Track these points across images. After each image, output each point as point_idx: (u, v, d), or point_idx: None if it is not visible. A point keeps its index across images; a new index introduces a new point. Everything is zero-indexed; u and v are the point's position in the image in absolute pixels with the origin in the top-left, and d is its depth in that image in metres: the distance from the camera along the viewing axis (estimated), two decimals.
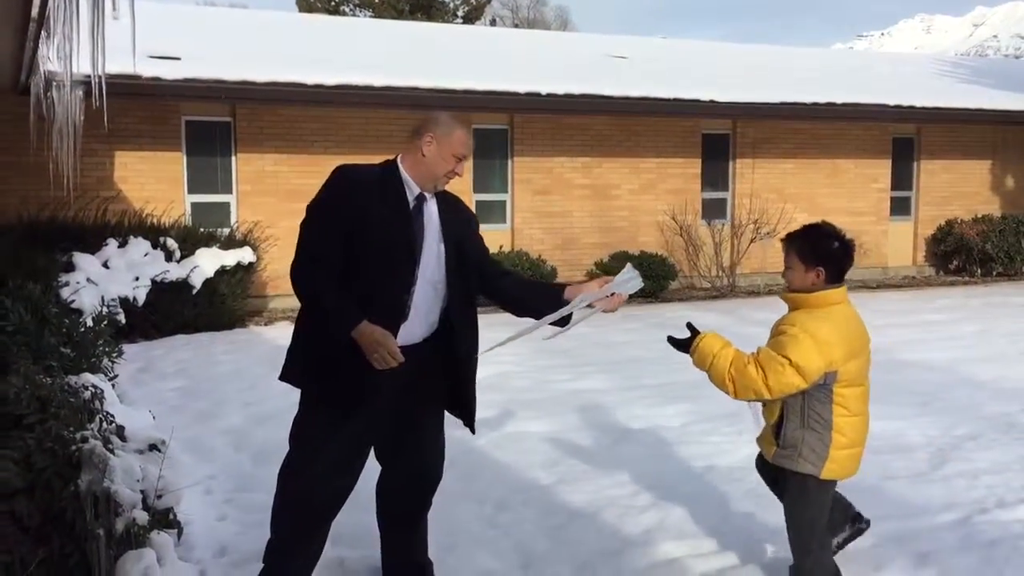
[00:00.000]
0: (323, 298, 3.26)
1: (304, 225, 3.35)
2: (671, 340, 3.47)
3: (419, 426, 3.57)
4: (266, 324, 10.90)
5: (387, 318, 3.27)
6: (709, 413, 6.20)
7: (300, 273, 3.31)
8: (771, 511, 4.41)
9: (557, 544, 4.21)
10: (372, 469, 3.60)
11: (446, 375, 3.53)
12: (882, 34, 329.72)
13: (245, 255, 10.53)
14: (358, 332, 3.17)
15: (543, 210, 13.26)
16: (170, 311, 9.83)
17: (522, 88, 12.22)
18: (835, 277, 3.34)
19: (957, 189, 16.06)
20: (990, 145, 16.17)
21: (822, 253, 3.31)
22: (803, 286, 3.33)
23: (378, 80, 11.49)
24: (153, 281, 9.62)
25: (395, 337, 3.26)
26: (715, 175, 14.36)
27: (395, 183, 3.39)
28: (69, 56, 4.51)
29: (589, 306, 3.39)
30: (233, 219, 11.71)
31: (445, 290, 3.43)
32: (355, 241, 3.25)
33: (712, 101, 13.15)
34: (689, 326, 3.41)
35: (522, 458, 5.45)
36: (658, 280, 12.91)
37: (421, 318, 3.39)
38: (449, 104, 12.09)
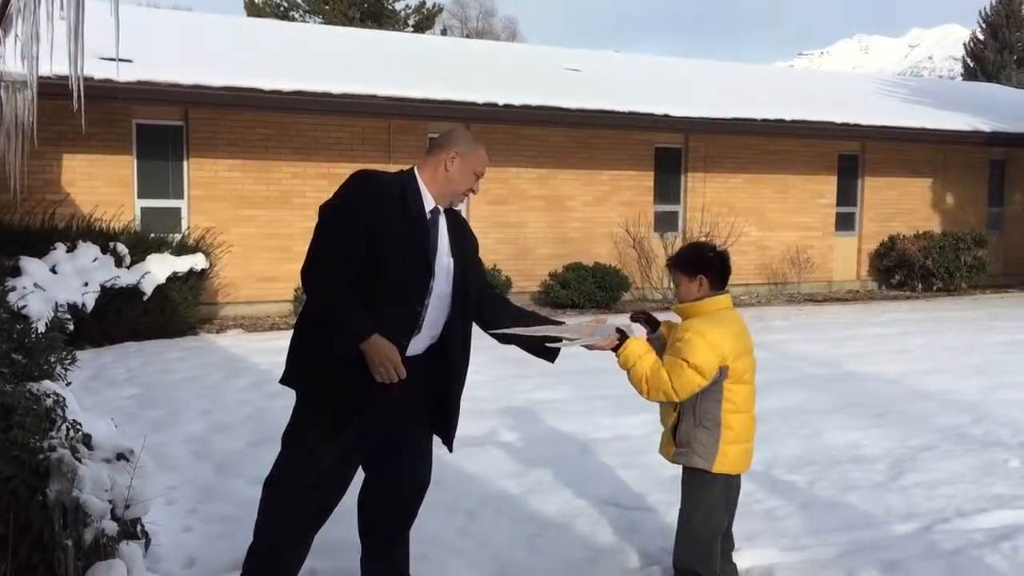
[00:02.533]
0: (335, 305, 3.20)
1: (320, 227, 3.28)
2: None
3: (411, 435, 3.55)
4: (218, 332, 10.73)
5: (399, 328, 3.25)
6: None
7: (313, 277, 3.24)
8: (742, 519, 4.47)
9: (531, 553, 4.21)
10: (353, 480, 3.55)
11: (433, 391, 3.51)
12: (821, 53, 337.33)
13: (197, 261, 10.37)
14: (368, 344, 3.13)
15: (498, 220, 13.28)
16: (120, 318, 9.62)
17: (480, 98, 12.25)
18: (718, 284, 3.63)
19: (900, 206, 16.48)
20: (931, 164, 16.63)
21: (700, 263, 3.62)
22: (691, 296, 3.62)
23: (336, 87, 11.42)
24: (102, 287, 9.41)
25: (405, 348, 3.25)
26: (667, 188, 14.54)
27: (415, 195, 3.35)
28: (25, 57, 4.39)
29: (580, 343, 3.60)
30: (184, 225, 11.52)
31: (449, 305, 3.42)
32: (374, 248, 3.21)
33: (666, 115, 13.32)
34: (619, 330, 3.60)
35: (490, 468, 5.44)
36: (611, 291, 13.02)
37: (427, 330, 3.38)
38: (406, 113, 12.10)
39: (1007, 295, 15.91)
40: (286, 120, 11.87)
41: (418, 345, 3.36)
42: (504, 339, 3.61)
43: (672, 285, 3.77)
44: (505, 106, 12.35)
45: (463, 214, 12.69)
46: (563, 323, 3.64)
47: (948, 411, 7.00)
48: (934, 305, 14.26)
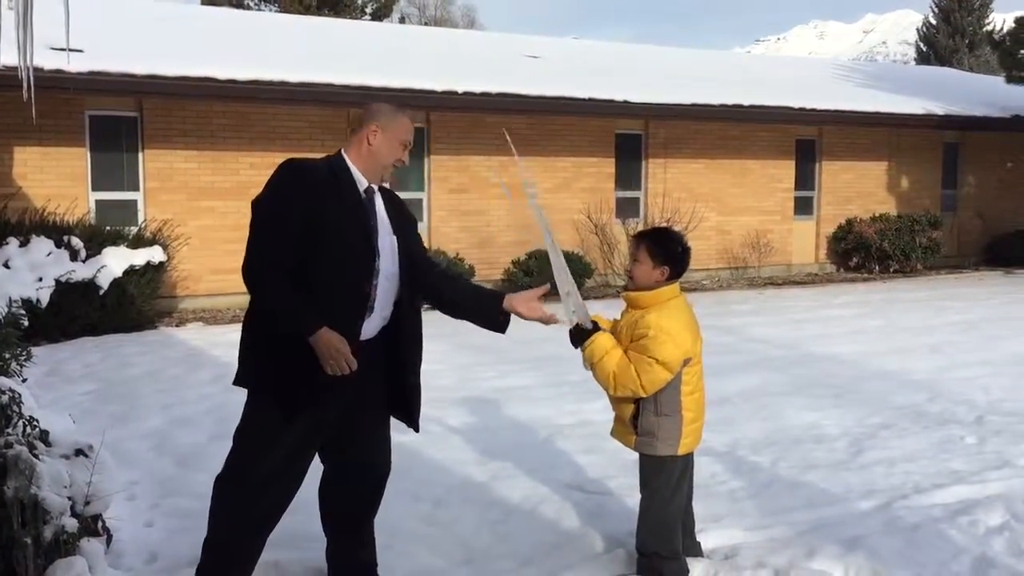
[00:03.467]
0: (279, 301, 3.18)
1: (255, 223, 3.25)
2: (573, 332, 3.64)
3: (366, 422, 3.52)
4: (177, 325, 10.60)
5: (351, 312, 3.23)
6: None
7: (255, 273, 3.20)
8: (707, 500, 4.52)
9: (498, 540, 4.22)
10: (312, 472, 3.53)
11: (389, 374, 3.49)
12: (778, 39, 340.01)
13: (155, 254, 10.22)
14: (316, 337, 3.11)
15: (460, 208, 13.25)
16: (76, 312, 9.47)
17: (439, 86, 12.19)
18: (674, 277, 3.64)
19: (856, 189, 16.69)
20: (886, 147, 16.85)
21: (671, 254, 3.61)
22: (646, 282, 3.60)
23: (293, 76, 11.31)
24: (57, 282, 9.25)
25: (359, 332, 3.23)
26: (628, 174, 14.59)
27: (346, 176, 3.33)
28: None
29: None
30: (140, 217, 11.34)
31: (397, 284, 3.40)
32: (312, 237, 3.17)
33: (625, 101, 13.35)
34: (578, 327, 3.61)
35: (455, 455, 5.44)
36: (575, 278, 13.01)
37: (379, 311, 3.36)
38: (364, 101, 11.99)
39: (962, 275, 16.19)
40: (243, 110, 11.72)
41: (371, 327, 3.34)
42: (454, 311, 3.53)
43: (629, 261, 3.70)
44: (464, 93, 12.30)
45: (425, 201, 12.79)
46: (505, 310, 3.51)
47: (905, 390, 7.12)
48: (890, 286, 14.47)
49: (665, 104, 13.73)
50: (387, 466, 3.64)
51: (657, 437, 3.59)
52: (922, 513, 4.45)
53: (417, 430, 3.65)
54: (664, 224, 13.66)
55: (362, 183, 3.35)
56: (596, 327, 3.61)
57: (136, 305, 10.00)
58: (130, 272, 9.89)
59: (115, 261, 9.76)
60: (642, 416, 3.59)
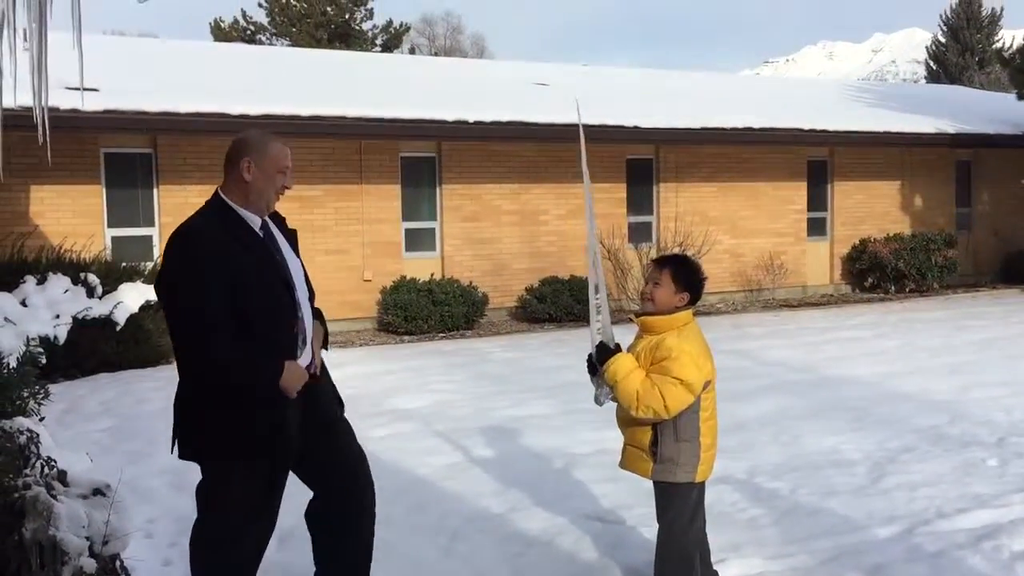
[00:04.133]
0: (238, 366, 3.16)
1: (177, 304, 3.18)
2: (598, 350, 3.65)
3: (332, 436, 3.49)
4: None
5: (287, 353, 3.26)
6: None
7: (200, 353, 3.15)
8: (726, 529, 4.48)
9: (517, 572, 4.19)
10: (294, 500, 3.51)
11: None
12: (787, 60, 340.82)
13: None
14: (284, 379, 3.17)
15: (472, 237, 13.28)
16: (93, 349, 9.51)
17: (450, 116, 12.26)
18: (691, 304, 3.70)
19: (869, 209, 16.64)
20: (898, 166, 16.81)
21: (693, 283, 3.68)
22: (666, 305, 3.64)
23: (304, 110, 11.40)
24: (74, 319, 9.30)
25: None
26: (640, 199, 14.60)
27: (237, 221, 3.27)
28: None
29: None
30: (156, 253, 11.42)
31: (311, 307, 3.45)
32: (235, 295, 3.15)
33: (636, 127, 13.39)
34: (603, 345, 3.64)
35: (472, 487, 5.42)
36: (587, 304, 13.00)
37: (307, 342, 3.39)
38: (377, 133, 12.11)
39: (978, 294, 16.08)
40: None
41: (305, 359, 3.37)
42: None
43: (647, 284, 3.70)
44: (475, 123, 12.37)
45: (438, 230, 12.83)
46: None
47: (925, 412, 7.06)
48: (907, 306, 14.38)
49: (675, 128, 13.76)
50: (368, 474, 3.56)
51: (677, 463, 3.57)
52: (945, 539, 4.40)
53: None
54: (679, 250, 13.67)
55: (254, 221, 3.30)
56: (619, 348, 3.62)
57: (152, 341, 10.04)
58: (146, 308, 9.94)
59: (131, 297, 9.82)
60: (662, 442, 3.57)
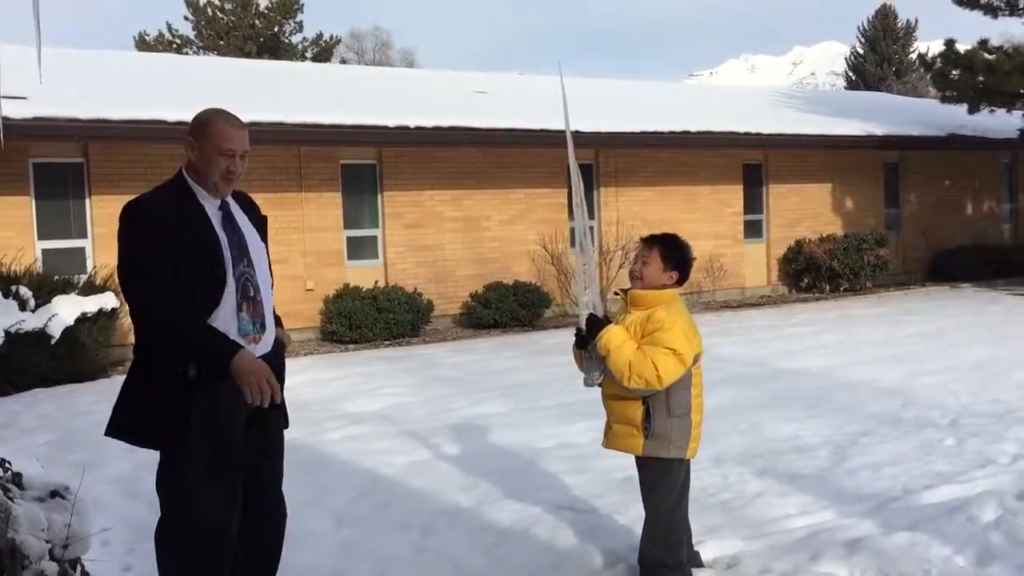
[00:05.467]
0: (190, 335, 3.05)
1: (131, 275, 3.08)
2: (589, 322, 3.63)
3: (273, 451, 3.41)
4: None
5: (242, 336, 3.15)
6: None
7: (154, 320, 3.05)
8: (700, 513, 4.46)
9: (493, 562, 4.11)
10: None
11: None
12: (711, 73, 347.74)
13: (107, 301, 9.93)
14: (236, 361, 3.01)
15: (416, 244, 13.16)
16: (27, 363, 9.13)
17: (391, 122, 12.14)
18: (680, 282, 3.73)
19: (803, 211, 16.96)
20: (830, 169, 17.18)
21: (684, 262, 3.71)
22: (656, 282, 3.64)
23: (242, 116, 11.13)
24: (7, 332, 8.92)
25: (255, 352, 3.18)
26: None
27: (188, 196, 3.18)
28: None
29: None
30: (90, 265, 11.05)
31: (271, 288, 3.37)
32: (178, 268, 3.06)
33: (576, 131, 13.38)
34: (593, 316, 3.63)
35: (438, 483, 5.31)
36: (533, 308, 13.01)
37: (268, 324, 3.29)
38: (317, 139, 11.94)
39: (909, 292, 16.49)
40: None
41: (267, 342, 3.28)
42: None
43: (636, 263, 3.69)
44: (417, 128, 12.27)
45: (380, 238, 12.67)
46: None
47: (877, 398, 7.17)
48: (843, 304, 14.67)
49: (615, 133, 13.85)
50: (284, 505, 3.49)
51: (670, 439, 3.55)
52: (917, 513, 4.45)
53: (287, 425, 3.51)
54: (621, 253, 13.75)
55: (211, 200, 3.21)
56: (608, 320, 3.59)
57: (89, 354, 9.70)
58: (82, 320, 9.59)
59: (66, 309, 9.47)
60: (655, 418, 3.54)
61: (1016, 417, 6.37)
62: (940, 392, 7.29)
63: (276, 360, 3.36)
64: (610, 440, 3.74)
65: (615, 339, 3.51)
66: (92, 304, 9.76)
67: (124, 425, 3.26)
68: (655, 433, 3.54)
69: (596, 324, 3.56)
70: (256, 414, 3.30)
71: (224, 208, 3.27)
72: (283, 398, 3.46)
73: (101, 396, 8.76)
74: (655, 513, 3.63)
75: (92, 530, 3.96)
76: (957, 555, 3.86)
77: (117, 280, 3.23)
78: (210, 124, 3.20)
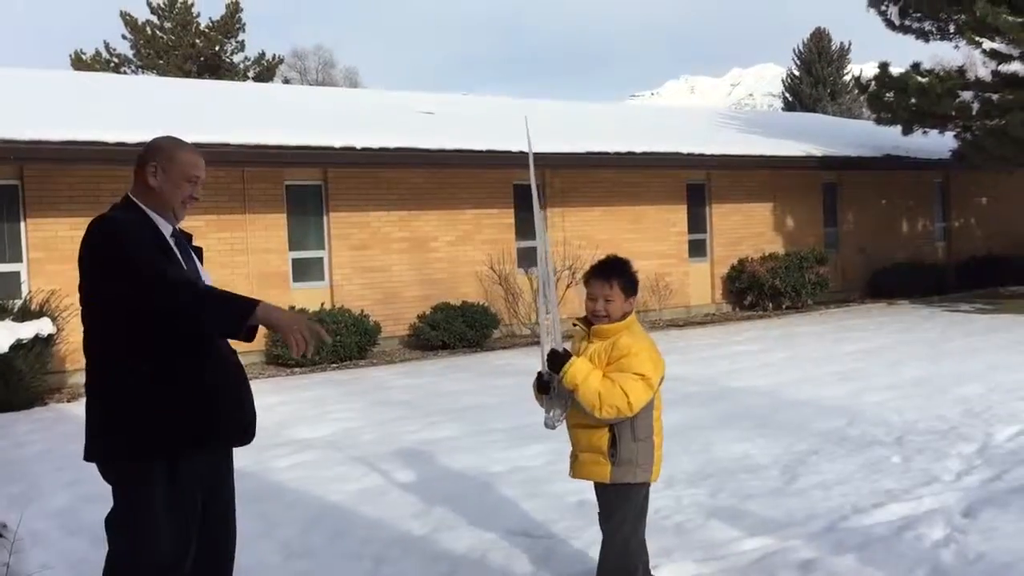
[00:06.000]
0: (205, 297, 2.96)
1: (135, 270, 2.96)
2: (551, 358, 3.54)
3: (227, 482, 3.37)
4: (69, 401, 10.00)
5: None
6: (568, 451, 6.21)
7: (166, 292, 2.93)
8: (654, 536, 4.45)
9: None
10: None
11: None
12: (652, 94, 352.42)
13: (43, 327, 9.66)
14: (265, 314, 2.88)
15: (362, 265, 13.05)
16: None
17: (337, 142, 12.06)
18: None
19: (746, 230, 17.22)
20: (770, 188, 17.49)
21: (635, 285, 3.68)
22: (619, 315, 3.60)
23: (184, 137, 10.94)
24: None
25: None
26: (528, 224, 14.65)
27: (148, 224, 3.15)
28: None
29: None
30: (24, 290, 10.75)
31: None
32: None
33: (522, 152, 13.46)
34: (554, 353, 3.55)
35: (390, 511, 5.23)
36: (481, 329, 12.97)
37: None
38: (261, 160, 11.79)
39: (850, 309, 16.81)
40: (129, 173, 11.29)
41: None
42: None
43: (598, 301, 3.58)
44: (363, 149, 12.20)
45: (326, 259, 12.54)
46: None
47: (823, 416, 7.27)
48: (786, 322, 14.90)
49: (560, 153, 13.91)
50: (234, 542, 3.42)
51: (636, 464, 3.53)
52: (866, 532, 4.50)
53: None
54: (569, 273, 13.80)
55: (164, 226, 3.19)
56: (568, 353, 3.55)
57: (25, 381, 9.41)
58: (17, 347, 9.31)
59: (1, 336, 9.18)
60: (620, 444, 3.51)
61: (959, 434, 6.51)
62: (884, 409, 7.42)
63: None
64: (577, 470, 3.69)
65: (581, 372, 3.46)
66: (28, 330, 9.48)
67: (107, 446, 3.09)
68: (621, 459, 3.51)
69: (558, 359, 3.51)
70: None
71: (176, 236, 3.26)
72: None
73: (38, 425, 8.52)
74: (612, 536, 3.62)
75: (31, 569, 3.83)
76: (909, 574, 3.90)
77: (83, 301, 3.14)
78: (178, 150, 3.24)
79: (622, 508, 3.58)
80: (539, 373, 3.59)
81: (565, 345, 3.64)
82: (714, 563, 4.21)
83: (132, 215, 3.15)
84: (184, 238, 3.37)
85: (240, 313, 2.88)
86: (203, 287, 3.06)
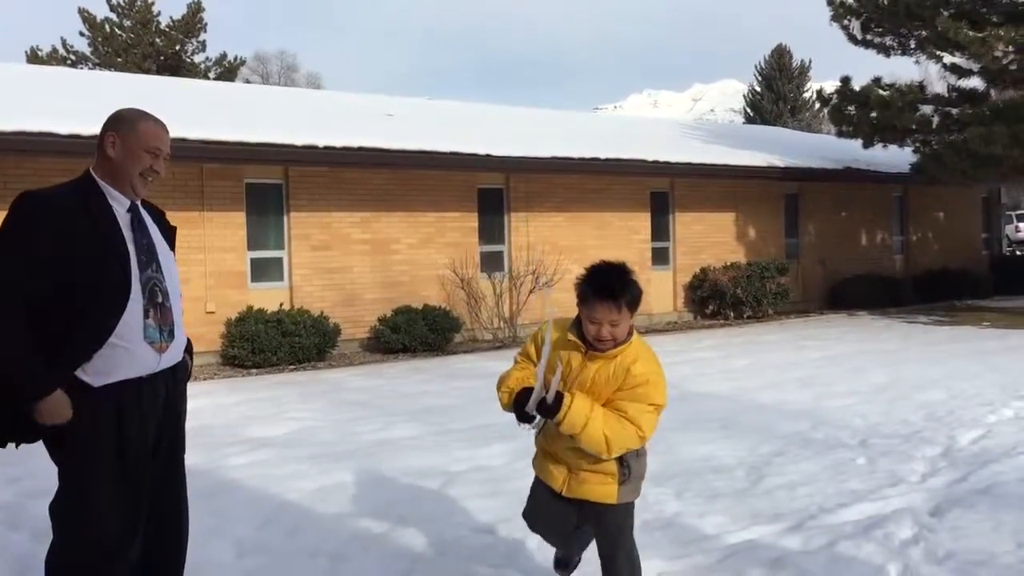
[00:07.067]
0: (11, 347, 2.80)
1: None
2: (539, 407, 3.05)
3: (178, 476, 3.24)
4: None
5: (87, 343, 2.90)
6: (530, 450, 6.08)
7: None
8: None
9: None
10: None
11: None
12: (615, 107, 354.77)
13: None
14: (47, 400, 2.81)
15: (323, 266, 12.85)
16: None
17: (298, 140, 11.86)
18: None
19: (708, 239, 17.27)
20: (733, 198, 17.56)
21: (641, 296, 3.16)
22: (625, 335, 3.11)
23: None
24: None
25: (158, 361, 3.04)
26: (492, 228, 14.57)
27: (99, 198, 3.02)
28: None
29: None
30: None
31: (180, 298, 3.24)
32: (61, 267, 2.86)
33: (488, 155, 13.39)
34: (543, 402, 3.04)
35: (348, 508, 5.08)
36: (442, 333, 12.82)
37: (178, 334, 3.14)
38: (220, 157, 11.57)
39: (809, 319, 16.91)
40: (85, 167, 11.01)
41: (175, 352, 3.14)
42: None
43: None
44: (326, 148, 12.02)
45: (285, 260, 12.32)
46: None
47: (787, 420, 7.23)
48: (747, 331, 14.93)
49: (526, 157, 13.85)
50: (186, 538, 3.32)
51: (642, 479, 3.27)
52: (835, 531, 4.43)
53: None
54: (540, 278, 13.71)
55: (123, 202, 3.07)
56: (562, 394, 3.04)
57: None
58: None
59: None
60: (630, 463, 3.18)
61: (922, 437, 6.49)
62: (847, 413, 7.40)
63: (173, 381, 3.17)
64: (576, 489, 3.23)
65: (579, 417, 2.99)
66: None
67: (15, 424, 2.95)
68: (634, 475, 3.20)
69: (553, 406, 3.01)
70: (159, 435, 3.10)
71: (133, 211, 3.12)
72: (183, 422, 3.29)
73: None
74: (620, 556, 3.32)
75: None
76: (879, 573, 3.84)
77: None
78: (139, 121, 3.12)
79: (626, 526, 3.32)
80: (518, 397, 3.11)
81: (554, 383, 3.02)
82: (683, 560, 4.12)
83: (69, 190, 3.00)
84: (156, 214, 3.25)
85: (27, 389, 2.81)
86: (18, 337, 2.81)
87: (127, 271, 2.98)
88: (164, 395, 3.12)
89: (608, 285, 3.06)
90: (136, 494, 2.97)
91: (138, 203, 3.14)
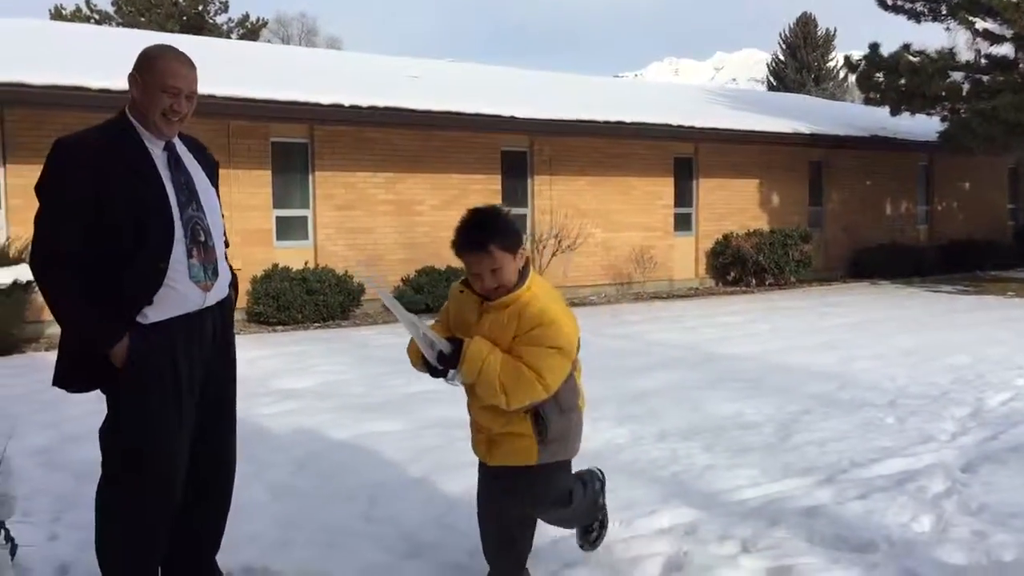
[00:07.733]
0: (68, 305, 2.89)
1: (38, 215, 2.92)
2: (441, 359, 2.92)
3: (228, 412, 3.30)
4: (47, 350, 9.81)
5: (143, 288, 2.94)
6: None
7: (38, 272, 2.91)
8: (650, 483, 4.39)
9: (445, 531, 3.97)
10: None
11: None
12: (636, 75, 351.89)
13: (21, 273, 9.45)
14: (121, 345, 2.90)
15: (346, 226, 12.89)
16: None
17: (324, 99, 11.86)
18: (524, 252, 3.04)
19: (731, 206, 17.18)
20: (757, 165, 17.44)
21: (518, 234, 2.98)
22: (513, 279, 2.93)
23: None
24: None
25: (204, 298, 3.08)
26: (515, 191, 14.55)
27: (129, 134, 3.00)
28: None
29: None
30: (3, 236, 10.51)
31: (224, 236, 3.23)
32: (103, 210, 2.86)
33: (512, 117, 13.34)
34: (441, 355, 2.92)
35: (382, 456, 5.15)
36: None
37: (222, 273, 3.16)
38: (247, 114, 11.58)
39: (831, 287, 16.84)
40: None
41: (220, 288, 3.16)
42: None
43: (484, 278, 2.92)
44: (351, 107, 12.01)
45: (310, 219, 12.36)
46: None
47: (814, 381, 7.24)
48: (769, 297, 14.89)
49: (551, 120, 13.79)
50: (233, 471, 3.37)
51: (568, 439, 3.03)
52: (867, 484, 4.46)
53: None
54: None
55: (152, 140, 3.03)
56: (455, 340, 2.93)
57: (5, 329, 9.21)
58: None
59: None
60: (548, 419, 2.94)
61: (951, 398, 6.50)
62: (875, 375, 7.40)
63: (220, 315, 3.21)
64: (495, 454, 3.07)
65: (476, 358, 2.83)
66: (6, 276, 9.28)
67: (69, 371, 3.01)
68: (552, 435, 2.96)
69: (451, 356, 2.88)
70: (208, 369, 3.15)
71: (170, 149, 3.09)
72: (234, 356, 3.32)
73: (16, 371, 8.36)
74: (562, 512, 3.19)
75: (16, 492, 3.71)
76: (913, 522, 3.87)
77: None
78: (157, 59, 3.03)
79: (556, 492, 3.12)
80: (431, 368, 2.98)
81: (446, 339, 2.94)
82: (715, 509, 4.16)
83: (102, 132, 3.00)
84: (197, 148, 3.24)
85: (96, 343, 2.90)
86: (75, 295, 2.87)
87: (167, 210, 2.98)
88: (211, 331, 3.16)
89: (470, 235, 2.95)
90: (180, 424, 3.03)
91: (174, 141, 3.11)
